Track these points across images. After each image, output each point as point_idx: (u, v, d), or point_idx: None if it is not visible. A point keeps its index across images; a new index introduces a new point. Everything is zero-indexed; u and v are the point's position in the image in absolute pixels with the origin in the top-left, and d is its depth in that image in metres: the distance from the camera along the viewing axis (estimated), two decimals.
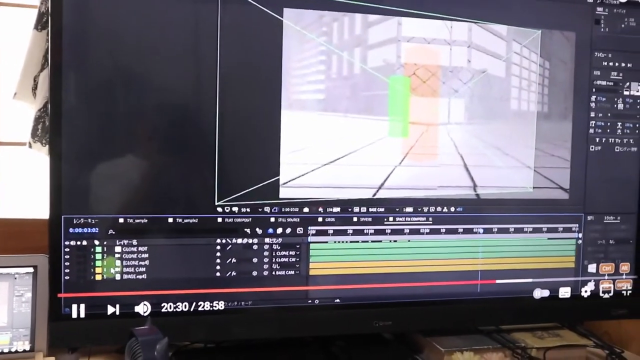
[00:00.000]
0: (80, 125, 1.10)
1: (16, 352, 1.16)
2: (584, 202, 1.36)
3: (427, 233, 1.28)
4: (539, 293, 1.35)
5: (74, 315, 1.11)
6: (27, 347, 1.16)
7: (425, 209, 1.27)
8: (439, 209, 1.28)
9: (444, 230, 1.29)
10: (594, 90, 1.34)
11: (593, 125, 1.35)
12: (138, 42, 1.11)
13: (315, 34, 1.19)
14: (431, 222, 1.28)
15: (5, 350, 1.15)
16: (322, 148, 1.21)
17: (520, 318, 1.37)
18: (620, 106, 1.36)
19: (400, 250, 1.26)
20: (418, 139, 1.26)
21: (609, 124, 1.35)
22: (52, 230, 1.10)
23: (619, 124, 1.36)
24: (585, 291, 1.37)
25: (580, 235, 1.36)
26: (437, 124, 1.27)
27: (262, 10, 1.15)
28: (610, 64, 1.35)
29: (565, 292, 1.36)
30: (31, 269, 1.17)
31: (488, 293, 1.32)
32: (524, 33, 1.30)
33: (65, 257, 1.10)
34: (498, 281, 1.32)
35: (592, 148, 1.35)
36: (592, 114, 1.35)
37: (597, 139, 1.35)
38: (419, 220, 1.27)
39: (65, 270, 1.11)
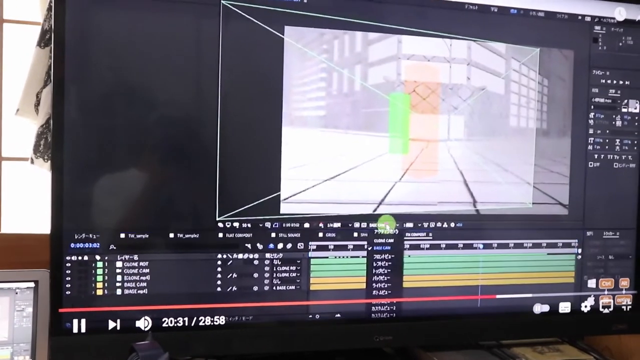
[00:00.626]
0: (82, 141, 1.10)
1: None
2: (583, 217, 1.36)
3: (427, 248, 1.28)
4: (539, 308, 1.35)
5: (75, 330, 1.11)
6: None
7: (425, 225, 1.28)
8: (439, 224, 1.29)
9: (444, 246, 1.29)
10: (592, 107, 1.36)
11: (592, 141, 1.36)
12: (140, 58, 1.12)
13: (316, 51, 1.20)
14: (431, 238, 1.28)
15: None
16: (323, 164, 1.21)
17: (521, 333, 1.38)
18: (619, 123, 1.37)
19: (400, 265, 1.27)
20: (418, 155, 1.27)
21: (607, 140, 1.36)
22: (54, 245, 1.10)
23: (618, 140, 1.37)
24: (585, 306, 1.37)
25: (580, 250, 1.37)
26: (437, 141, 1.28)
27: (263, 28, 1.17)
28: (609, 81, 1.36)
29: (565, 307, 1.36)
30: (32, 284, 1.18)
31: (488, 308, 1.32)
32: (523, 51, 1.31)
33: (67, 272, 1.11)
34: (498, 296, 1.32)
35: (590, 164, 1.36)
36: (591, 131, 1.36)
37: (596, 155, 1.36)
38: (419, 236, 1.28)
39: (66, 285, 1.11)
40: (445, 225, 1.29)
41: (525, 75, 1.32)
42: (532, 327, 1.36)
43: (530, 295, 1.34)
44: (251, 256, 1.18)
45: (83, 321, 1.12)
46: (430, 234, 1.28)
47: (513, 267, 1.33)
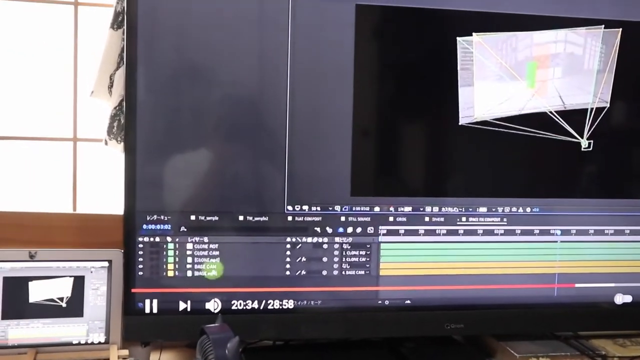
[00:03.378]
0: (154, 123, 1.11)
1: (92, 343, 1.19)
2: None
3: (501, 234, 1.23)
4: (620, 298, 1.28)
5: (147, 310, 1.13)
6: (102, 339, 1.19)
7: (500, 209, 1.23)
8: (514, 209, 1.23)
9: (519, 232, 1.24)
10: None
11: None
12: (211, 40, 1.11)
13: None
14: (506, 223, 1.23)
15: (82, 342, 1.18)
16: None
17: (600, 324, 1.31)
18: None
19: (473, 252, 1.22)
20: None
21: None
22: (127, 226, 1.12)
23: None
24: None
25: None
26: None
27: (334, 5, 1.13)
28: None
29: None
30: (106, 264, 1.20)
31: (566, 297, 1.26)
32: None
33: (139, 252, 1.12)
34: (577, 285, 1.26)
35: None
36: None
37: None
38: (493, 221, 1.23)
39: (139, 266, 1.13)
40: (520, 210, 1.23)
41: None
42: (612, 319, 1.29)
43: (611, 284, 1.28)
44: (320, 240, 1.17)
45: (155, 301, 1.13)
46: (505, 219, 1.23)
47: (593, 254, 1.27)
